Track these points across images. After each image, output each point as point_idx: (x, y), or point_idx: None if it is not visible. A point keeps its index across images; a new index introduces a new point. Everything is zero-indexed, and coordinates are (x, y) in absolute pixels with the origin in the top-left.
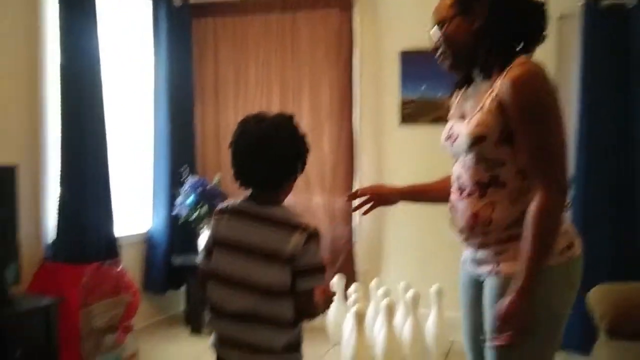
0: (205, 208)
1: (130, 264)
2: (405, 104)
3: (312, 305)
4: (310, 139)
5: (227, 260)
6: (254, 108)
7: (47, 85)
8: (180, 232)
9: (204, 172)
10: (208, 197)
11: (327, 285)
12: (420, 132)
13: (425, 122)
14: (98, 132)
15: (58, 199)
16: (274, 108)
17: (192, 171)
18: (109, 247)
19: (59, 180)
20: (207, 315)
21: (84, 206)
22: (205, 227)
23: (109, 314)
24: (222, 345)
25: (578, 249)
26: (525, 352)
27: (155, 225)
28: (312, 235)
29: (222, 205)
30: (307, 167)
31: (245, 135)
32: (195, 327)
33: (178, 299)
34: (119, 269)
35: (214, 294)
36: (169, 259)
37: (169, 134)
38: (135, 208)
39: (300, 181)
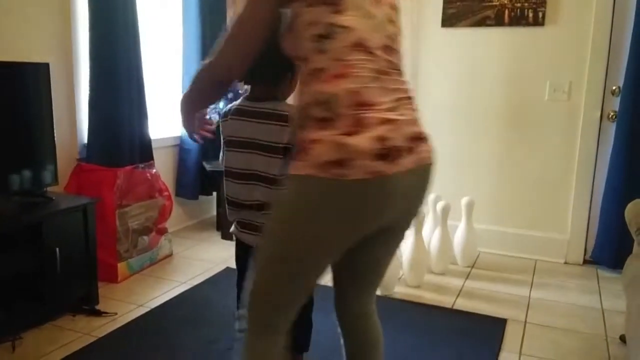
0: None
1: (163, 168)
2: (447, 4)
3: None
4: None
5: (236, 158)
6: None
7: None
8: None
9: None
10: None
11: None
12: (462, 35)
13: (469, 24)
14: (130, 32)
15: (89, 102)
16: None
17: None
18: (143, 150)
19: (88, 82)
20: (226, 208)
21: (116, 109)
22: None
23: (143, 215)
24: (241, 230)
25: (358, 173)
26: (261, 251)
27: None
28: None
29: (226, 107)
30: None
31: None
32: (226, 232)
33: (209, 204)
34: (153, 172)
35: (229, 189)
36: (201, 165)
37: (200, 36)
38: (168, 112)
39: None
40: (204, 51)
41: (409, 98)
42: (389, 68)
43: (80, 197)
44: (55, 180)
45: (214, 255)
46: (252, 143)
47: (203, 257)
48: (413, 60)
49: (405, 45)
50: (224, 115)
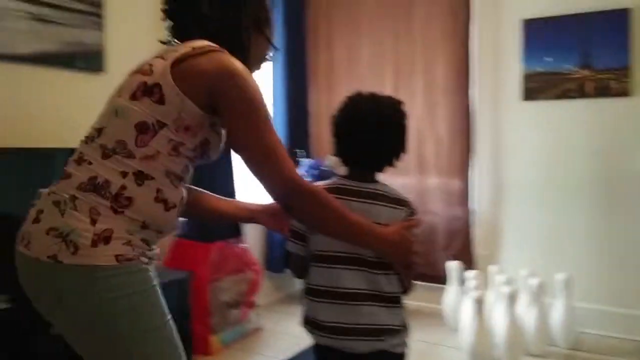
0: None
1: (252, 243)
2: (528, 78)
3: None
4: (424, 119)
5: (332, 240)
6: (365, 89)
7: None
8: None
9: (318, 154)
10: (323, 178)
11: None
12: (545, 108)
13: (551, 97)
14: None
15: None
16: (386, 88)
17: (307, 154)
18: (234, 227)
19: None
20: (305, 299)
21: (208, 187)
22: None
23: (234, 289)
24: (329, 332)
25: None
26: None
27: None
28: (413, 211)
29: (320, 184)
30: (422, 146)
31: (363, 114)
32: None
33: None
34: (242, 248)
35: (319, 276)
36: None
37: (286, 117)
38: (255, 189)
39: (414, 162)
40: (289, 130)
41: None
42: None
43: (178, 272)
44: None
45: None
46: None
47: (291, 332)
48: (494, 135)
49: (487, 119)
50: None
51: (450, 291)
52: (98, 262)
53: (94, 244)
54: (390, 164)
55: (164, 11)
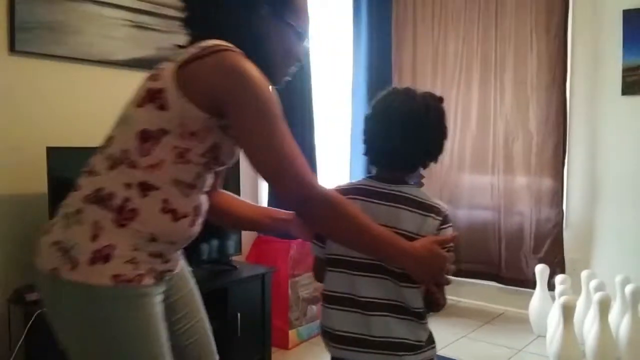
0: None
1: None
2: (628, 71)
3: (441, 295)
4: (513, 116)
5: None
6: (452, 86)
7: None
8: None
9: None
10: None
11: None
12: None
13: None
14: (306, 117)
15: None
16: (474, 85)
17: None
18: None
19: None
20: (322, 307)
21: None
22: None
23: (312, 285)
24: (339, 341)
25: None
26: None
27: None
28: (447, 220)
29: (339, 186)
30: (510, 144)
31: (392, 110)
32: None
33: None
34: None
35: (335, 281)
36: None
37: (366, 96)
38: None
39: (501, 160)
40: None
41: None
42: None
43: (260, 267)
44: (239, 250)
45: None
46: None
47: None
48: (590, 132)
49: (582, 115)
50: (341, 194)
51: (538, 296)
52: (93, 281)
53: (92, 261)
54: (423, 166)
55: (181, 20)
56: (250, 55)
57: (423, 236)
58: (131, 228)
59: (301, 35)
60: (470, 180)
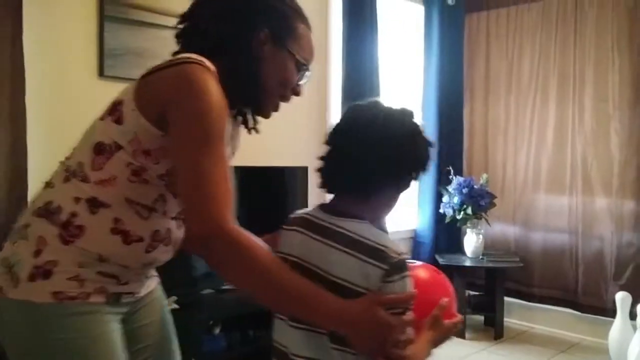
0: (470, 209)
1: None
2: None
3: None
4: (593, 134)
5: None
6: (527, 103)
7: (332, 94)
8: (445, 231)
9: (470, 172)
10: (474, 197)
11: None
12: None
13: None
14: None
15: None
16: (550, 102)
17: (459, 170)
18: None
19: None
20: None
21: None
22: (470, 228)
23: None
24: None
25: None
26: None
27: (421, 223)
28: (396, 269)
29: (294, 213)
30: (589, 164)
31: (344, 123)
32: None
33: None
34: None
35: (277, 329)
36: (434, 258)
37: (437, 132)
38: (402, 205)
39: (578, 181)
40: (441, 146)
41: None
42: None
43: None
44: None
45: (446, 353)
46: (316, 275)
47: (435, 353)
48: None
49: None
50: (286, 223)
51: (618, 325)
52: (33, 298)
53: (32, 277)
54: (384, 196)
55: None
56: (241, 77)
57: (364, 289)
58: (76, 246)
59: (301, 66)
60: (546, 201)
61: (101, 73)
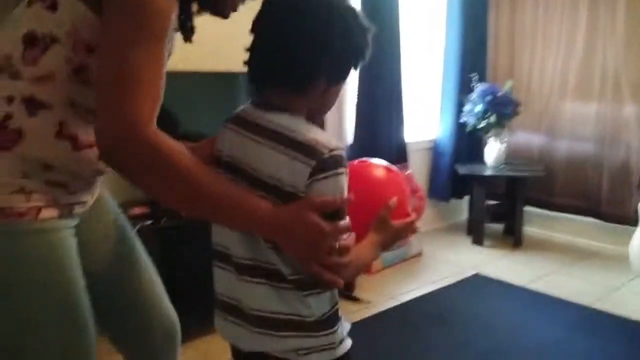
0: (494, 117)
1: (417, 170)
2: None
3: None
4: (628, 38)
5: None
6: (555, 7)
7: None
8: (466, 140)
9: (494, 79)
10: (498, 105)
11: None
12: None
13: None
14: (393, 42)
15: (355, 106)
16: (580, 5)
17: (482, 78)
18: (399, 152)
19: (356, 87)
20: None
21: (377, 111)
22: (492, 137)
23: None
24: (224, 318)
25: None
26: None
27: (442, 132)
28: (326, 165)
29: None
30: (616, 68)
31: (269, 5)
32: (477, 237)
33: (461, 207)
34: (407, 173)
35: (217, 234)
36: (454, 167)
37: (460, 39)
38: (423, 114)
39: (611, 87)
40: (464, 53)
41: None
42: None
43: None
44: None
45: (464, 259)
46: (246, 174)
47: (452, 260)
48: None
49: None
50: (224, 121)
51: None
52: None
53: None
54: (317, 84)
55: None
56: None
57: (291, 187)
58: (15, 152)
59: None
60: (573, 108)
61: None
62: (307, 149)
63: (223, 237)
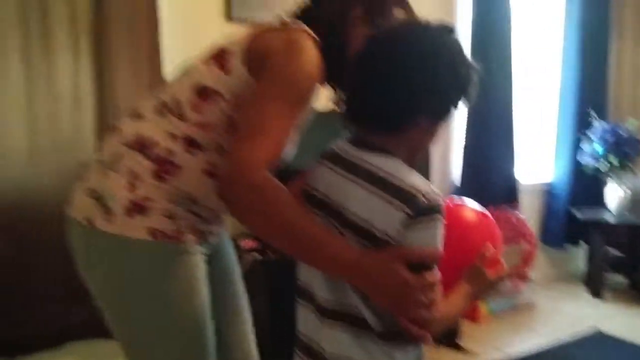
0: (615, 158)
1: (528, 212)
2: None
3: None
4: None
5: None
6: None
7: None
8: (584, 183)
9: (617, 117)
10: (620, 145)
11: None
12: None
13: None
14: (504, 75)
15: (464, 141)
16: None
17: (603, 116)
18: (510, 192)
19: (465, 124)
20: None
21: (487, 149)
22: (613, 180)
23: (506, 259)
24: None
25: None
26: None
27: (557, 173)
28: (422, 213)
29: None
30: None
31: (370, 46)
32: (596, 289)
33: (576, 255)
34: (518, 216)
35: (303, 274)
36: (569, 212)
37: (578, 74)
38: (537, 154)
39: None
40: (582, 89)
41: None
42: None
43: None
44: None
45: (581, 313)
46: (337, 214)
47: (568, 312)
48: None
49: None
50: (320, 157)
51: None
52: (131, 234)
53: (129, 212)
54: (416, 125)
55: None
56: (331, 51)
57: (384, 234)
58: (170, 184)
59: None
60: None
61: (229, 16)
62: (404, 195)
63: (308, 276)
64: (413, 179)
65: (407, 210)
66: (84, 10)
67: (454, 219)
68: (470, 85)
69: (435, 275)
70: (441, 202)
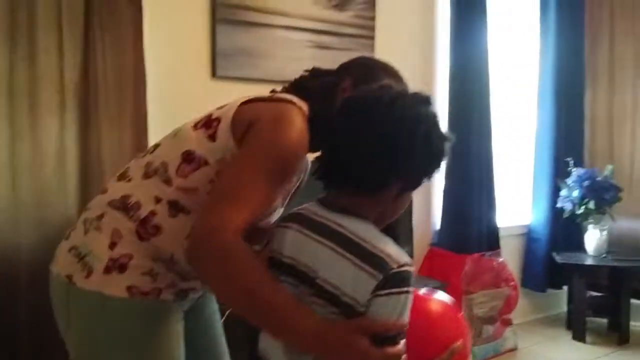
0: (592, 203)
1: (509, 257)
2: None
3: None
4: None
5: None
6: None
7: (438, 83)
8: (563, 227)
9: (592, 163)
10: (597, 190)
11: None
12: None
13: None
14: (483, 125)
15: (443, 190)
16: None
17: (579, 162)
18: (491, 238)
19: (444, 172)
20: None
21: (467, 197)
22: (592, 224)
23: (488, 304)
24: None
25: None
26: None
27: (536, 218)
28: (392, 281)
29: (291, 210)
30: None
31: (344, 108)
32: (578, 332)
33: (559, 299)
34: (499, 261)
35: (264, 342)
36: (550, 255)
37: (554, 121)
38: (515, 199)
39: None
40: (558, 136)
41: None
42: None
43: (432, 281)
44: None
45: (564, 357)
46: (305, 277)
47: (551, 357)
48: None
49: None
50: (281, 220)
51: None
52: (108, 291)
53: (107, 270)
54: (388, 191)
55: None
56: (320, 121)
57: (351, 300)
58: (151, 243)
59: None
60: None
61: (214, 74)
62: (375, 261)
63: (268, 343)
64: (386, 246)
65: (379, 277)
66: (71, 69)
67: (425, 309)
68: (443, 158)
69: (401, 348)
70: (412, 272)
